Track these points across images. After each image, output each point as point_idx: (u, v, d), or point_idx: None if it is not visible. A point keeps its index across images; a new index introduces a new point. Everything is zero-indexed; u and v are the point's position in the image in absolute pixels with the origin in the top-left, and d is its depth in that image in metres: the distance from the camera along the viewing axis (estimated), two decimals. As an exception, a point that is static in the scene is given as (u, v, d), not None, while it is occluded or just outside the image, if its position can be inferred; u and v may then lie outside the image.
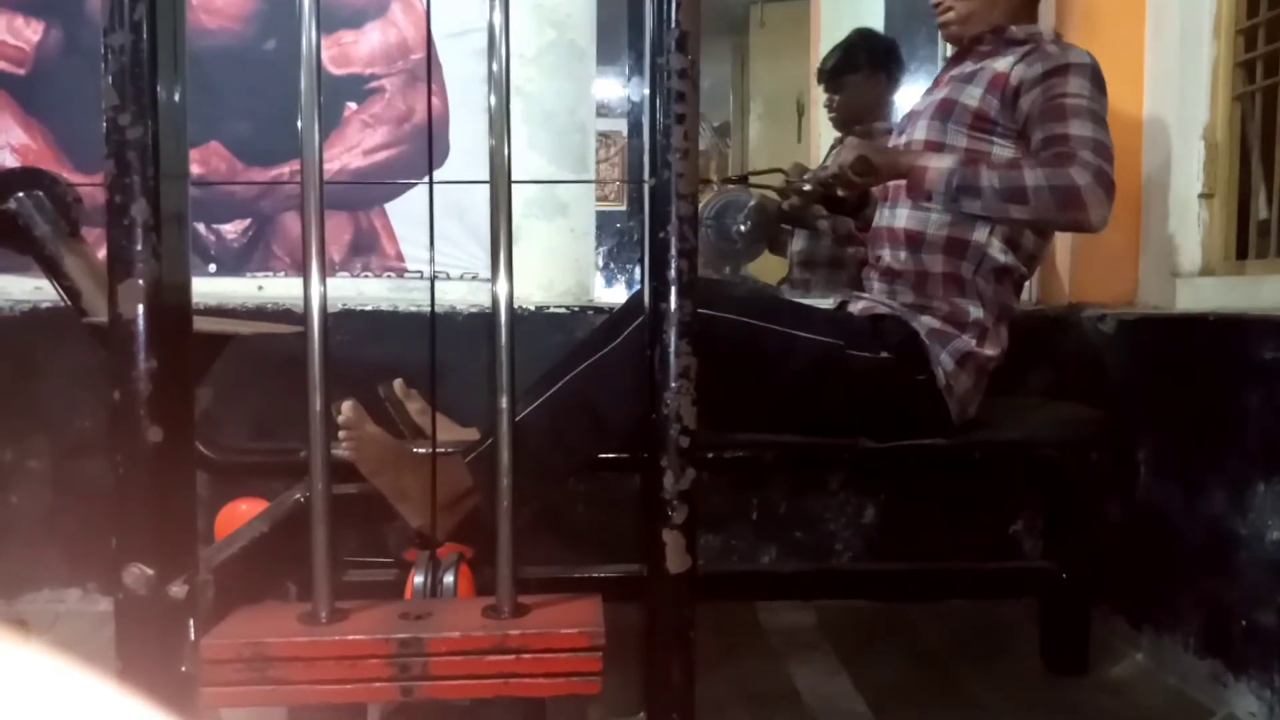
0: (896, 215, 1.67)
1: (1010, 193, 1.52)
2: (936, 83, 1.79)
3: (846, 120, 2.57)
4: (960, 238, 1.60)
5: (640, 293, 1.51)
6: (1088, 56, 1.61)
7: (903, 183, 1.65)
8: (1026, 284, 2.31)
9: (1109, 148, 1.54)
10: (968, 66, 1.70)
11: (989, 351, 1.61)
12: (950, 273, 1.60)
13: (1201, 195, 1.90)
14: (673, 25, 0.91)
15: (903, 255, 1.64)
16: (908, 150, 1.67)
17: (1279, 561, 1.44)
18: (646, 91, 0.94)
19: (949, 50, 2.78)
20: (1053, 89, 1.57)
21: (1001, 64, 1.64)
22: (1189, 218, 1.92)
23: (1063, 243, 2.19)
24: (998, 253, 1.60)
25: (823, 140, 3.55)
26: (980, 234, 1.59)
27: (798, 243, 2.47)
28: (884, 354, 1.54)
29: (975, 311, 1.59)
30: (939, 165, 1.58)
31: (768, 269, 3.00)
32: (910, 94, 2.76)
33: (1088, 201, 1.49)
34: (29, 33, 2.14)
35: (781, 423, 1.61)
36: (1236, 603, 1.53)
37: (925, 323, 1.58)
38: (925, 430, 1.60)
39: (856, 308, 1.64)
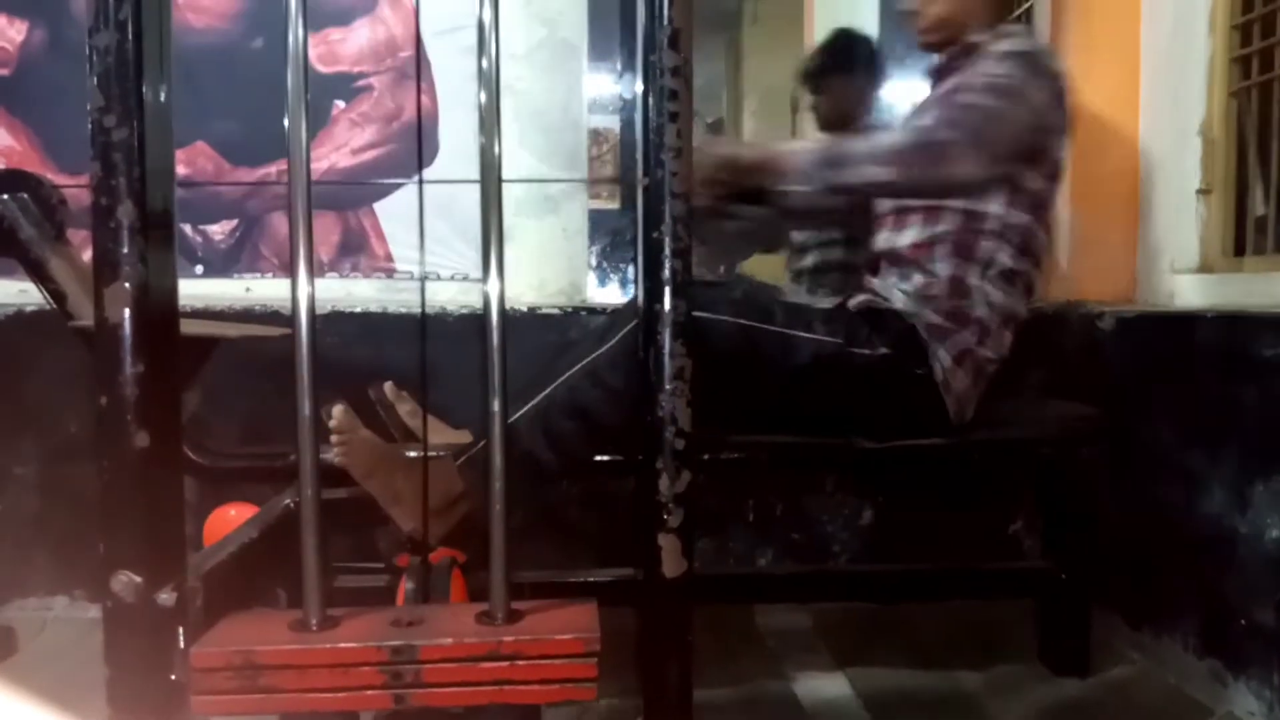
0: (899, 236, 1.65)
1: (874, 156, 1.51)
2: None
3: (831, 122, 2.55)
4: (968, 244, 1.58)
5: (631, 299, 1.51)
6: (1021, 43, 1.60)
7: (909, 205, 1.64)
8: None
9: (980, 109, 1.51)
10: (946, 85, 1.69)
11: (988, 353, 1.59)
12: (956, 276, 1.58)
13: (1199, 191, 1.89)
14: (665, 22, 0.90)
15: (910, 275, 1.62)
16: (765, 142, 1.66)
17: (1278, 559, 1.43)
18: (639, 90, 0.93)
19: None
20: (975, 73, 1.57)
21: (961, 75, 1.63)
22: (1186, 214, 1.92)
23: (1060, 240, 2.18)
24: (1007, 258, 1.59)
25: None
26: (989, 241, 1.58)
27: (809, 257, 2.45)
28: (883, 350, 1.53)
29: (979, 310, 1.57)
30: (802, 146, 1.58)
31: (762, 268, 2.99)
32: (893, 90, 2.74)
33: (952, 156, 1.49)
34: (12, 33, 2.12)
35: (783, 423, 1.60)
36: (1235, 601, 1.53)
37: (926, 317, 1.56)
38: (923, 426, 1.59)
39: (854, 302, 1.63)
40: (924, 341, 1.55)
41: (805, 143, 1.59)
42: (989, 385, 1.64)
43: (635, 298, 1.49)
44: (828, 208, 1.79)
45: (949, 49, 1.70)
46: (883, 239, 1.70)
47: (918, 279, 1.60)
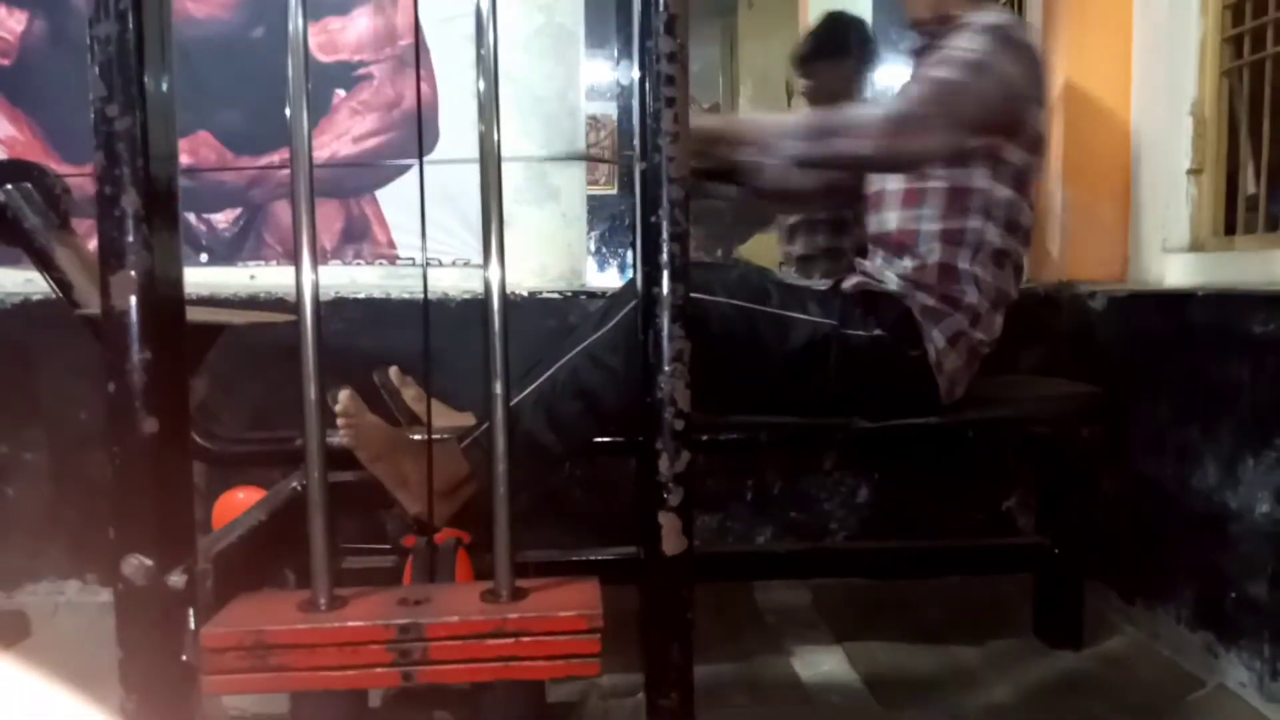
0: (885, 220, 1.66)
1: (844, 129, 1.51)
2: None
3: (821, 105, 2.54)
4: (956, 228, 1.59)
5: (629, 281, 1.52)
6: (994, 17, 1.60)
7: (890, 188, 1.64)
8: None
9: (951, 84, 1.52)
10: (929, 59, 1.70)
11: (981, 335, 1.61)
12: (946, 263, 1.59)
13: (1190, 171, 1.90)
14: (661, 8, 0.91)
15: (899, 258, 1.63)
16: (739, 116, 1.66)
17: (1269, 533, 1.45)
18: (636, 75, 0.93)
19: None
20: (947, 47, 1.57)
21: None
22: (1178, 194, 1.93)
23: (1053, 220, 2.19)
24: (995, 237, 1.60)
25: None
26: (976, 220, 1.59)
27: (797, 244, 2.45)
28: (877, 331, 1.54)
29: (971, 295, 1.59)
30: (770, 119, 1.58)
31: (760, 251, 2.99)
32: (888, 73, 2.74)
33: (920, 130, 1.50)
34: (13, 23, 2.12)
35: (778, 404, 1.62)
36: (1227, 575, 1.55)
37: (919, 299, 1.58)
38: (913, 406, 1.60)
39: (849, 284, 1.64)
40: (918, 323, 1.56)
41: (774, 116, 1.58)
42: (981, 366, 1.65)
43: (632, 280, 1.51)
44: (800, 187, 1.79)
45: (932, 27, 1.70)
46: (871, 222, 1.71)
47: (906, 262, 1.61)
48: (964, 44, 1.55)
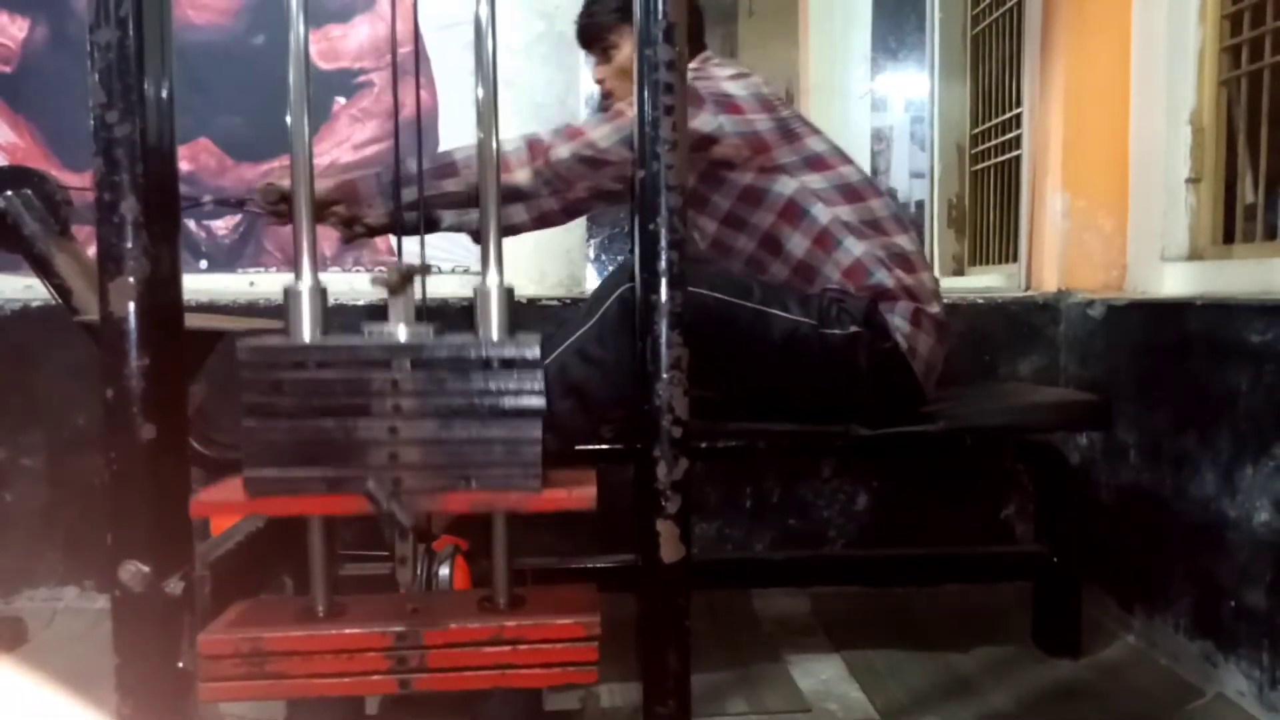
0: (773, 279, 1.64)
1: (440, 170, 1.51)
2: None
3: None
4: (836, 260, 1.58)
5: (612, 274, 1.52)
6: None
7: (743, 253, 1.63)
8: (1017, 269, 2.33)
9: (581, 131, 1.55)
10: None
11: (933, 308, 1.60)
12: (866, 285, 1.57)
13: (1189, 180, 1.91)
14: (660, 17, 0.91)
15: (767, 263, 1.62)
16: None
17: (1268, 542, 1.45)
18: (635, 83, 0.94)
19: (935, 38, 2.78)
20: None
21: None
22: (1176, 202, 1.93)
23: (1052, 229, 2.19)
24: (849, 214, 1.58)
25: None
26: (821, 212, 1.57)
27: None
28: (853, 328, 1.53)
29: (896, 290, 1.57)
30: (366, 171, 1.55)
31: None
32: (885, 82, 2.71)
33: (509, 162, 1.51)
34: (14, 30, 2.13)
35: (758, 402, 1.61)
36: (1226, 584, 1.54)
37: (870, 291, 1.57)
38: (896, 399, 1.59)
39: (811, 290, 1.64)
40: (882, 316, 1.56)
41: (366, 171, 1.55)
42: (950, 342, 1.64)
43: (613, 273, 1.52)
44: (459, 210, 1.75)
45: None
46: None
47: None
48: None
